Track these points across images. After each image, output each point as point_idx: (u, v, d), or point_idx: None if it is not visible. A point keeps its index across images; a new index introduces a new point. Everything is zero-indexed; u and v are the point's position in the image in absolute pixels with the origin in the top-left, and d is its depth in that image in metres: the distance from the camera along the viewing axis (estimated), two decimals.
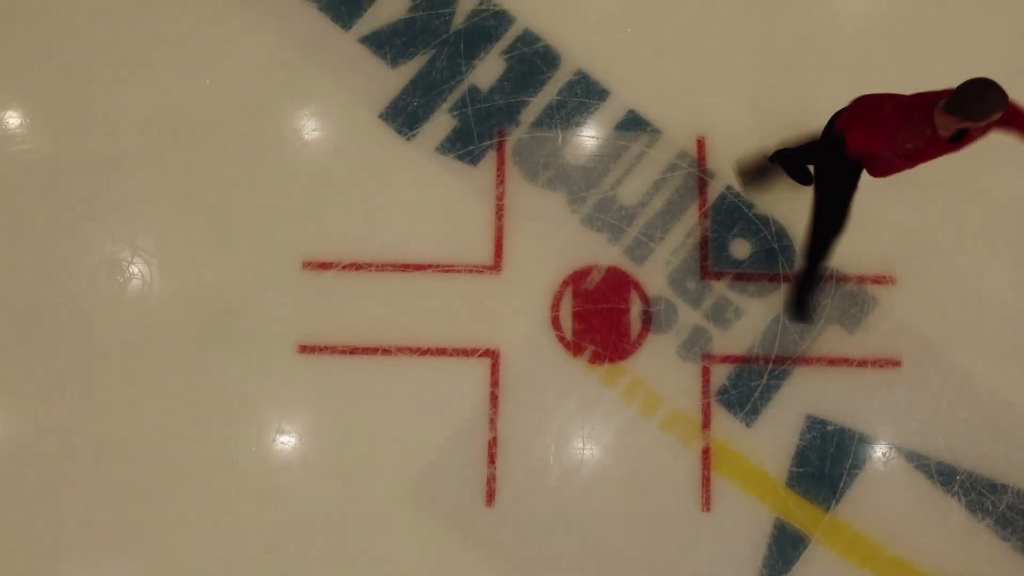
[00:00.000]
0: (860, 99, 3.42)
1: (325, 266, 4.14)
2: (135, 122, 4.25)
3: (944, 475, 4.00)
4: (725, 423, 4.03)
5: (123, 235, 4.17)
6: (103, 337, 4.05)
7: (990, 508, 3.96)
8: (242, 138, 4.24)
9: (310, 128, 4.28)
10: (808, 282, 3.92)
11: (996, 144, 3.53)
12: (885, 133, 3.12)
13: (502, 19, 4.39)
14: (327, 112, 4.30)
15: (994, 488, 3.99)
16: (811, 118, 4.08)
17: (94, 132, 4.25)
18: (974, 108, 2.82)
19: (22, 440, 3.98)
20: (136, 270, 4.14)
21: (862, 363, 4.09)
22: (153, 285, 4.13)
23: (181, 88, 4.29)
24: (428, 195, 4.21)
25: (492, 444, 3.99)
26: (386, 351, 4.06)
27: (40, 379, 4.01)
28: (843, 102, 3.49)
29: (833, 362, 4.08)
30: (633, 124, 4.30)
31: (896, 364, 4.09)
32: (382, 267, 4.13)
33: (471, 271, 4.13)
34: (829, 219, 3.64)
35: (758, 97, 4.35)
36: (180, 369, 4.03)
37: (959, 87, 2.86)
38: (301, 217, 4.17)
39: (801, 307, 4.00)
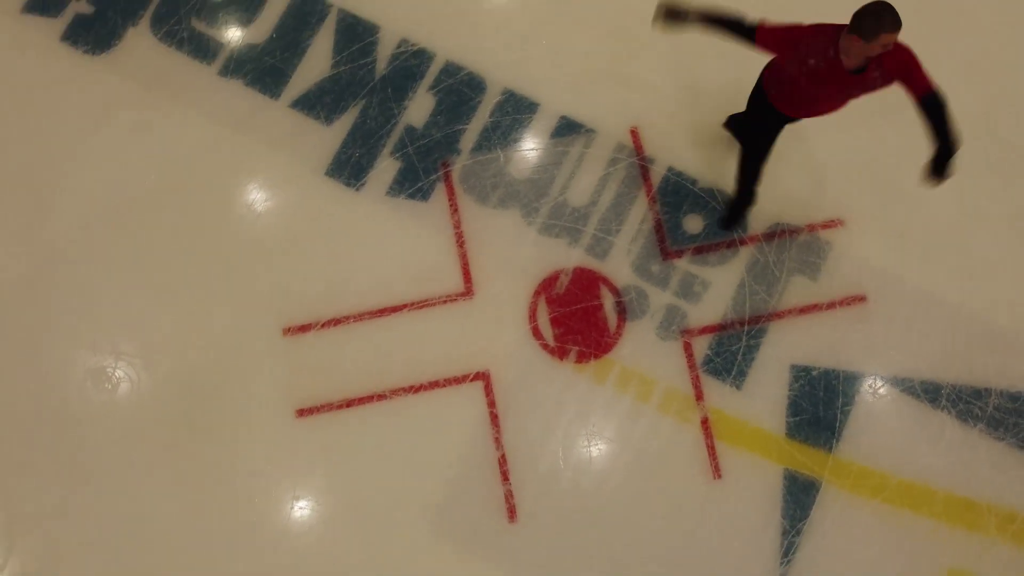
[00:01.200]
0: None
1: (305, 328, 4.23)
2: (87, 225, 4.33)
3: (930, 393, 4.18)
4: (717, 391, 4.18)
5: (101, 341, 4.23)
6: (105, 444, 4.09)
7: (979, 414, 4.15)
8: (198, 222, 4.33)
9: (262, 200, 4.38)
10: (740, 204, 4.19)
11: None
12: (790, 40, 3.28)
13: (422, 57, 4.54)
14: (275, 181, 4.41)
15: (978, 394, 4.18)
16: (732, 87, 4.29)
17: (47, 243, 4.32)
18: (864, 22, 3.00)
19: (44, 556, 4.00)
20: (121, 373, 4.19)
21: (831, 306, 4.27)
22: (141, 383, 4.18)
23: (128, 186, 4.38)
24: (388, 238, 4.32)
25: (502, 462, 4.09)
26: (381, 396, 4.15)
27: (46, 502, 4.04)
28: (758, 66, 3.68)
29: (804, 310, 4.26)
30: (567, 129, 4.46)
31: (862, 300, 4.27)
32: (360, 317, 4.23)
33: (445, 301, 4.25)
34: (755, 148, 3.86)
35: (679, 78, 4.54)
36: (186, 458, 4.09)
37: (858, 12, 3.05)
38: (272, 286, 4.26)
39: (731, 221, 4.30)
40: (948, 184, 4.39)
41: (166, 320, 4.23)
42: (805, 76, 3.36)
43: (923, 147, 4.43)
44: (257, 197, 4.39)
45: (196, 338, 4.21)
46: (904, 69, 3.19)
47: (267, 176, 4.41)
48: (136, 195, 4.37)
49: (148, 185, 4.37)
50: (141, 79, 4.50)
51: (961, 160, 4.18)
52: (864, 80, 3.26)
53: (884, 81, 3.26)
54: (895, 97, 4.47)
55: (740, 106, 4.17)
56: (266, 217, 4.36)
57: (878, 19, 2.99)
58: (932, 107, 3.20)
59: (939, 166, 3.29)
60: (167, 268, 4.30)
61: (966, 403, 4.17)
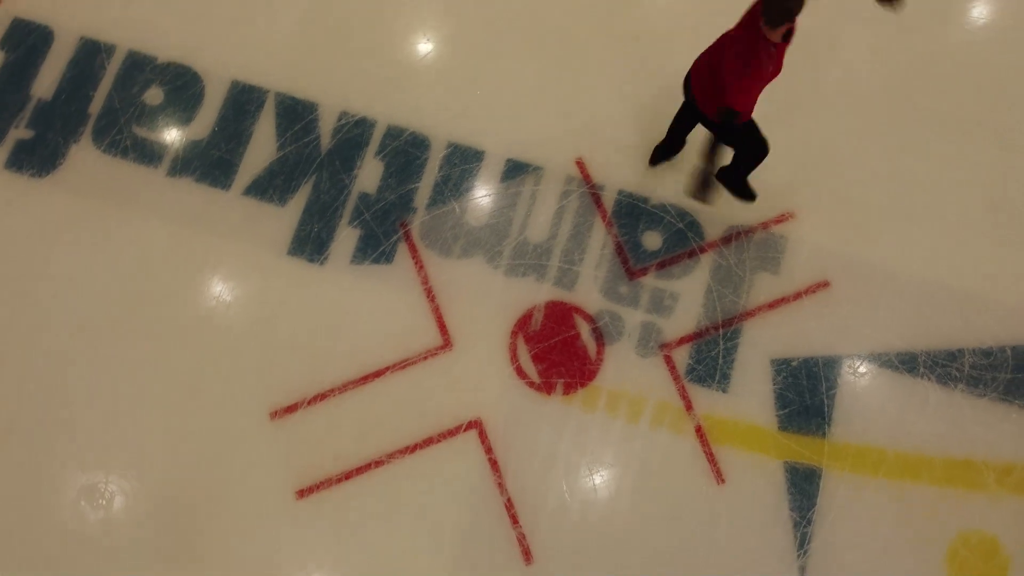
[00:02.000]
0: (698, 65, 3.84)
1: (292, 409, 4.23)
2: (58, 344, 4.31)
3: (907, 363, 4.30)
4: (704, 398, 4.25)
5: (88, 459, 4.18)
6: (107, 563, 4.03)
7: (957, 375, 4.27)
8: (170, 324, 4.34)
9: (229, 290, 4.41)
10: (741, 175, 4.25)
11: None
12: (750, 78, 3.50)
13: (364, 125, 4.65)
14: (239, 269, 4.44)
15: (952, 356, 4.31)
16: (664, 106, 4.46)
17: (18, 366, 4.29)
18: (788, 8, 3.23)
19: None
20: (114, 487, 4.14)
21: (797, 296, 4.39)
22: (136, 494, 4.13)
23: (94, 300, 4.38)
24: (360, 306, 4.37)
25: (509, 506, 4.10)
26: (379, 463, 4.15)
27: None
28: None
29: (773, 305, 4.37)
30: (516, 170, 4.58)
31: (826, 285, 4.40)
32: (344, 388, 4.25)
33: (426, 357, 4.29)
34: (756, 149, 4.01)
35: (614, 104, 4.69)
36: (194, 560, 4.03)
37: (768, 4, 3.25)
38: (252, 373, 4.27)
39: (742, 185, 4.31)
40: (883, 163, 4.61)
41: (151, 426, 4.21)
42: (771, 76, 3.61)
43: (856, 133, 4.65)
44: (224, 288, 4.41)
45: (185, 438, 4.19)
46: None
47: (231, 266, 4.44)
48: (103, 307, 4.37)
49: (114, 296, 4.38)
50: (91, 193, 4.54)
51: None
52: (790, 36, 3.48)
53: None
54: (824, 90, 4.71)
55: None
56: (236, 306, 4.38)
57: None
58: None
59: None
60: (145, 374, 4.28)
61: (943, 367, 4.29)
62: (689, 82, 3.91)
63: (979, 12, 4.96)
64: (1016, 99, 4.74)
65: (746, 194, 4.30)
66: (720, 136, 3.94)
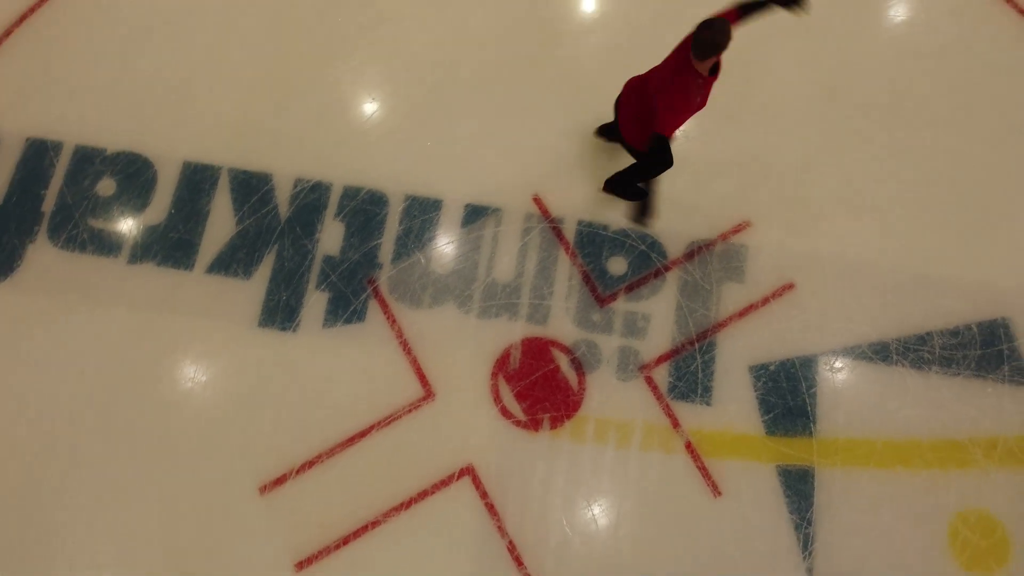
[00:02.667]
0: (628, 91, 3.98)
1: (281, 481, 4.18)
2: (36, 444, 4.23)
3: (880, 352, 4.38)
4: (690, 413, 4.29)
5: (79, 559, 4.08)
6: None
7: (929, 357, 4.37)
8: (148, 410, 4.29)
9: (204, 370, 4.37)
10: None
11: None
12: (679, 109, 3.63)
13: (320, 189, 4.69)
14: (212, 347, 4.41)
15: (922, 340, 4.40)
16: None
17: (2, 467, 4.19)
18: (716, 43, 3.38)
19: None
20: None
21: (765, 301, 4.47)
22: None
23: (69, 397, 4.31)
24: (337, 367, 4.36)
25: (511, 548, 4.07)
26: (376, 523, 4.11)
27: None
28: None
29: (743, 313, 4.45)
30: (475, 215, 4.64)
31: (791, 287, 4.49)
32: (332, 452, 4.21)
33: (410, 410, 4.27)
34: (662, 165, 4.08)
35: (560, 139, 4.79)
36: None
37: (697, 39, 3.40)
38: (237, 449, 4.22)
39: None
40: (828, 159, 4.75)
41: (140, 517, 4.12)
42: (697, 107, 3.74)
43: (797, 137, 4.80)
44: (198, 368, 4.38)
45: (176, 525, 4.10)
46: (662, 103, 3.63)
47: (203, 345, 4.41)
48: (79, 402, 4.30)
49: (89, 389, 4.32)
50: (54, 290, 4.51)
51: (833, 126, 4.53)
52: (718, 68, 3.64)
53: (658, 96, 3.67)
54: (760, 101, 4.86)
55: (623, 154, 4.45)
56: (212, 385, 4.34)
57: (722, 35, 3.39)
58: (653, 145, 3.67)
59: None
60: (128, 464, 4.21)
61: (915, 351, 4.38)
62: (618, 104, 4.06)
63: (895, 11, 5.18)
64: (938, 83, 4.93)
65: (638, 194, 4.47)
66: (634, 154, 4.11)
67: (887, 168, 4.74)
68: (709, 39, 3.37)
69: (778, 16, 5.05)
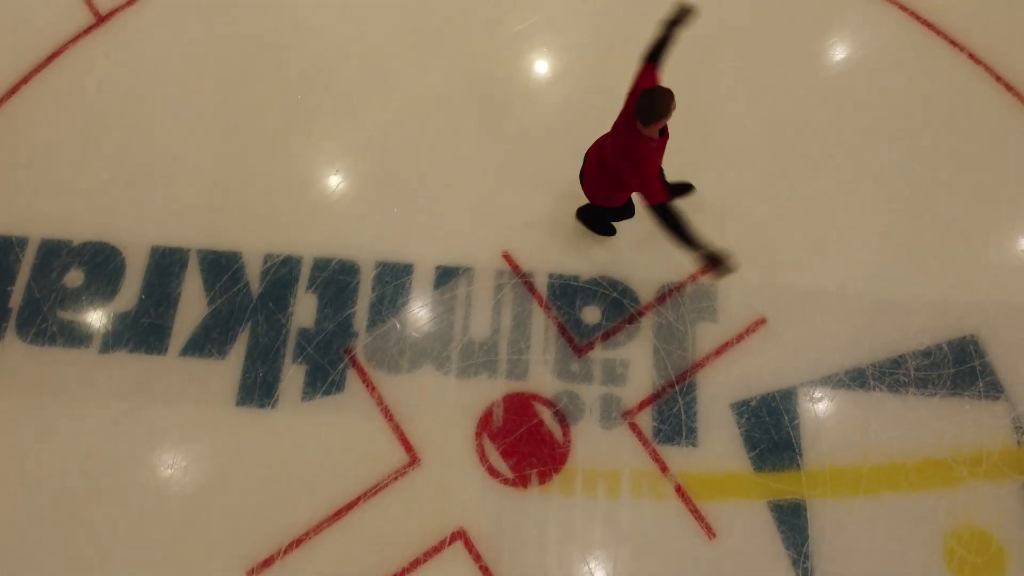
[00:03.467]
0: (589, 158, 4.08)
1: (268, 562, 4.09)
2: (18, 538, 4.10)
3: (857, 379, 4.44)
4: (677, 456, 4.29)
5: None
6: None
7: (905, 380, 4.43)
8: (129, 502, 4.19)
9: (184, 454, 4.30)
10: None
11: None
12: (647, 172, 3.65)
13: (290, 263, 4.70)
14: (191, 431, 4.35)
15: (896, 363, 4.47)
16: (570, 184, 4.66)
17: None
18: (658, 111, 3.44)
19: None
20: None
21: (739, 338, 4.52)
22: None
23: (48, 493, 4.21)
24: (319, 441, 4.31)
25: None
26: None
27: None
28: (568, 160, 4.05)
29: (719, 351, 4.49)
30: (447, 276, 4.68)
31: (763, 322, 4.56)
32: (319, 528, 4.14)
33: (396, 477, 4.23)
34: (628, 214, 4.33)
35: (525, 195, 4.87)
36: None
37: (640, 109, 3.45)
38: (221, 533, 4.13)
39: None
40: (789, 193, 4.87)
41: None
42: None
43: (756, 174, 4.93)
44: (178, 454, 4.30)
45: None
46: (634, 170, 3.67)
47: (181, 430, 4.35)
48: (59, 498, 4.20)
49: (68, 485, 4.22)
50: (25, 387, 4.43)
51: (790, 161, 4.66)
52: (665, 131, 3.74)
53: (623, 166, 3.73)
54: (719, 143, 5.00)
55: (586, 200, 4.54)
56: (194, 469, 4.27)
57: (666, 102, 3.44)
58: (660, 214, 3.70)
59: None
60: (111, 557, 4.10)
61: (890, 375, 4.44)
62: (582, 174, 4.17)
63: (838, 47, 5.40)
64: (883, 114, 5.11)
65: (609, 230, 4.64)
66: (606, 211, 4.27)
67: (844, 198, 4.87)
68: (649, 107, 3.42)
69: (728, 58, 5.25)
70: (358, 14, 5.46)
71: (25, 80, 5.19)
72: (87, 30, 5.36)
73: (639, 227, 4.67)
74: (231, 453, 4.30)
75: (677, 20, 3.75)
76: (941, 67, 5.29)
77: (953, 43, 5.35)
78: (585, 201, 4.56)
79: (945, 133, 5.07)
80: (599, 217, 4.54)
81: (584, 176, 4.16)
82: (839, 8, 5.51)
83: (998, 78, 5.22)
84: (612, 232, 4.67)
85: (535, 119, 5.11)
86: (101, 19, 5.40)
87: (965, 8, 5.45)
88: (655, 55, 3.71)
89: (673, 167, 4.27)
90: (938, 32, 5.39)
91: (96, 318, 4.60)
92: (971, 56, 5.30)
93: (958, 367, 4.47)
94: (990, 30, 5.36)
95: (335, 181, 4.95)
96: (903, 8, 5.47)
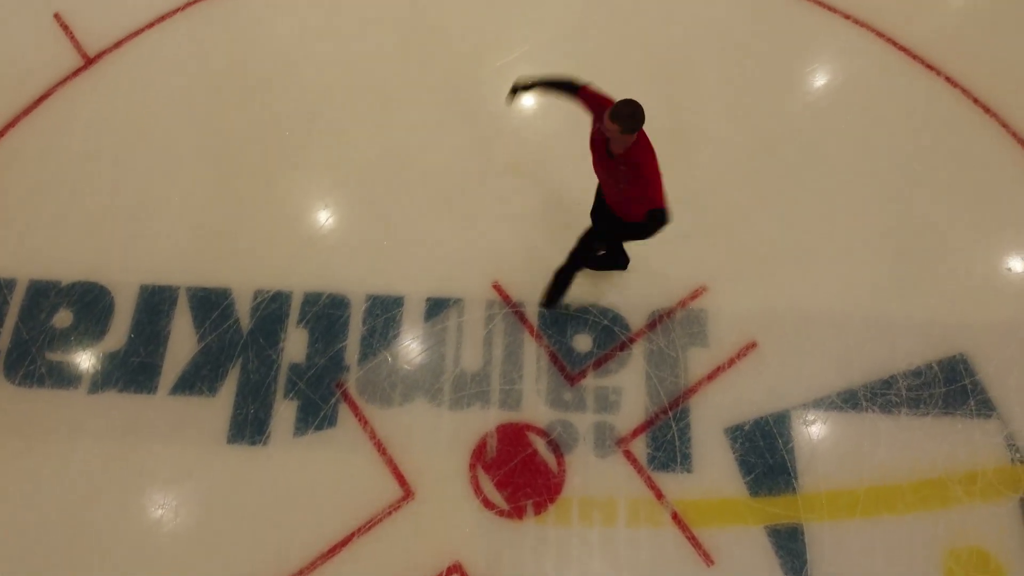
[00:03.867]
0: (606, 189, 4.08)
1: None
2: None
3: (849, 400, 4.45)
4: (672, 483, 4.27)
5: None
6: None
7: (897, 400, 4.44)
8: (119, 543, 4.12)
9: (176, 494, 4.24)
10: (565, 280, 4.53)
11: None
12: (599, 104, 3.71)
13: (280, 299, 4.70)
14: (182, 470, 4.29)
15: (888, 384, 4.49)
16: (556, 215, 4.69)
17: None
18: (633, 121, 3.49)
19: None
20: None
21: (731, 362, 4.53)
22: None
23: (38, 534, 4.13)
24: (313, 476, 4.27)
25: None
26: None
27: None
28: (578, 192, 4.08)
29: (711, 376, 4.50)
30: (437, 307, 4.68)
31: (754, 346, 4.57)
32: (314, 565, 4.08)
33: (391, 512, 4.18)
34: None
35: (513, 225, 4.90)
36: None
37: (624, 113, 3.47)
38: (216, 573, 4.06)
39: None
40: (774, 216, 4.92)
41: None
42: (592, 138, 3.83)
43: (741, 199, 4.99)
44: (169, 494, 4.25)
45: None
46: (644, 181, 3.68)
47: (172, 469, 4.30)
48: (50, 542, 4.13)
49: (58, 528, 4.15)
50: (14, 430, 4.38)
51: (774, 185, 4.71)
52: (611, 166, 3.76)
53: (626, 181, 3.74)
54: (702, 169, 5.06)
55: (575, 229, 4.59)
56: (186, 508, 4.21)
57: (615, 108, 3.49)
58: (650, 220, 3.69)
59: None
60: None
61: (882, 396, 4.45)
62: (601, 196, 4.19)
63: (821, 74, 5.49)
64: (876, 136, 5.19)
65: (623, 261, 4.64)
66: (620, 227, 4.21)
67: (830, 222, 4.92)
68: (631, 115, 3.46)
69: (712, 85, 5.33)
70: (344, 52, 5.53)
71: (14, 122, 5.22)
72: (76, 72, 5.40)
73: (629, 254, 4.70)
74: (223, 491, 4.25)
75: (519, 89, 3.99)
76: (920, 91, 5.39)
77: (930, 67, 5.46)
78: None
79: (928, 156, 5.15)
80: (613, 249, 4.53)
81: (608, 197, 4.11)
82: (821, 35, 5.62)
83: (975, 100, 5.32)
84: (627, 260, 4.66)
85: (521, 151, 5.16)
86: (89, 61, 5.45)
87: (941, 34, 5.57)
88: (566, 84, 3.86)
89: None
90: (915, 57, 5.50)
91: (85, 358, 4.57)
92: (948, 79, 5.40)
93: (949, 386, 4.48)
94: (965, 55, 5.47)
95: (324, 216, 4.97)
96: (880, 35, 5.58)
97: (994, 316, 4.67)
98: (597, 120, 3.76)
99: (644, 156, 3.66)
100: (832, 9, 5.68)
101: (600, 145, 3.78)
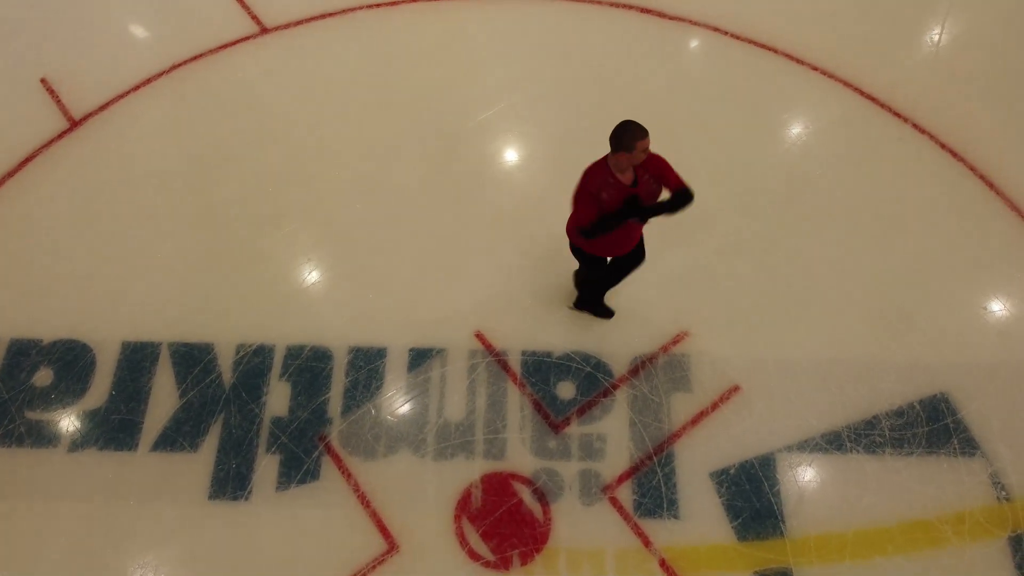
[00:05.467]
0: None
1: None
2: None
3: (833, 442, 4.45)
4: (659, 529, 4.22)
5: None
6: None
7: (881, 440, 4.45)
8: None
9: (157, 555, 4.15)
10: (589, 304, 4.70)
11: None
12: (587, 194, 3.76)
13: (263, 352, 4.70)
14: (162, 529, 4.22)
15: (871, 425, 4.50)
16: (536, 263, 4.73)
17: None
18: (623, 138, 3.57)
19: None
20: None
21: (715, 406, 4.54)
22: None
23: None
24: (295, 532, 4.20)
25: None
26: None
27: None
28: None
29: (695, 421, 4.50)
30: (420, 358, 4.68)
31: (737, 390, 4.59)
32: None
33: (375, 565, 4.11)
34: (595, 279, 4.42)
35: (495, 274, 4.94)
36: None
37: (613, 134, 3.59)
38: None
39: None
40: (752, 261, 4.98)
41: None
42: (614, 198, 3.83)
43: (719, 245, 5.06)
44: (151, 554, 4.16)
45: None
46: (661, 171, 3.81)
47: (153, 528, 4.22)
48: None
49: None
50: None
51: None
52: (643, 186, 3.81)
53: (656, 183, 3.82)
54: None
55: (555, 277, 4.65)
56: (167, 569, 4.12)
57: (630, 131, 3.58)
58: (680, 195, 3.81)
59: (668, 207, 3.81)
60: None
61: (866, 436, 4.46)
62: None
63: (795, 124, 5.64)
64: (852, 183, 5.31)
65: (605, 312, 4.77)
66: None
67: (810, 266, 5.00)
68: (628, 134, 3.58)
69: (690, 137, 5.46)
70: (325, 113, 5.64)
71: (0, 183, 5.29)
72: (61, 135, 5.48)
73: (610, 301, 4.75)
74: (205, 549, 4.17)
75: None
76: (891, 139, 5.54)
77: (898, 115, 5.62)
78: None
79: (902, 200, 5.26)
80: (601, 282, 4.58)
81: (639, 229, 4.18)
82: (792, 87, 5.79)
83: (943, 146, 5.47)
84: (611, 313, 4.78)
85: (502, 203, 5.25)
86: (75, 124, 5.54)
87: (906, 84, 5.75)
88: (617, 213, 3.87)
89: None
90: (883, 106, 5.66)
91: (65, 417, 4.53)
92: (915, 126, 5.56)
93: (932, 425, 4.50)
94: (930, 103, 5.65)
95: (306, 269, 5.01)
96: (847, 84, 5.76)
97: (973, 355, 4.71)
98: (606, 179, 3.74)
99: (654, 156, 3.78)
100: (800, 61, 5.86)
101: (625, 190, 3.79)
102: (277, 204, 5.23)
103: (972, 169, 5.37)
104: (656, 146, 3.75)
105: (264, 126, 5.56)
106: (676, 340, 4.73)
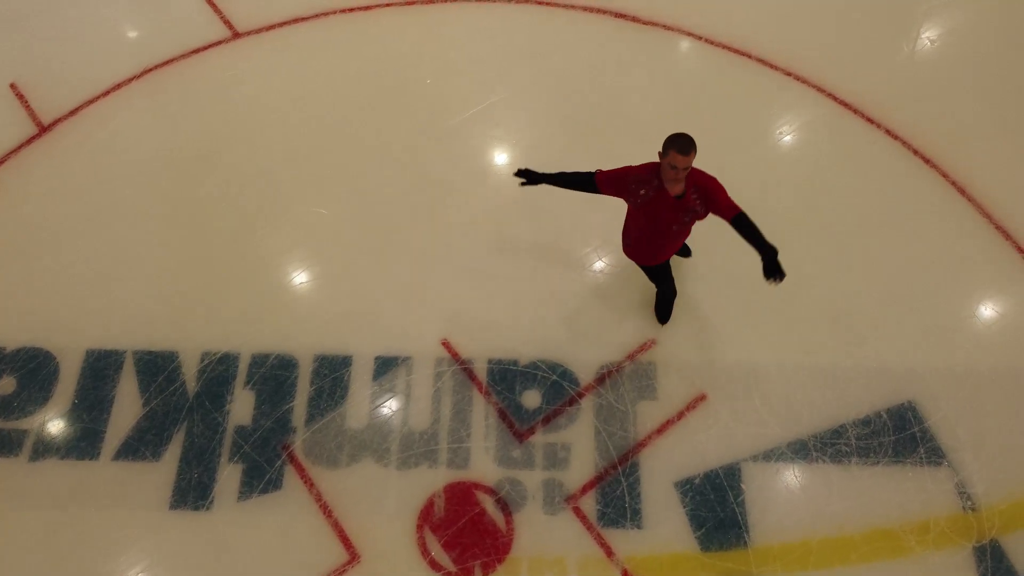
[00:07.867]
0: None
1: None
2: None
3: (799, 451, 4.43)
4: (622, 539, 4.21)
5: None
6: None
7: (847, 450, 4.43)
8: None
9: (118, 564, 4.12)
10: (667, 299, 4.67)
11: None
12: (622, 177, 3.81)
13: (228, 360, 4.67)
14: (124, 537, 4.20)
15: (837, 434, 4.48)
16: (504, 270, 4.71)
17: None
18: (664, 145, 3.60)
19: None
20: None
21: (680, 415, 4.52)
22: None
23: None
24: (256, 542, 4.19)
25: None
26: None
27: None
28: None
29: (660, 430, 4.48)
30: (385, 366, 4.66)
31: (703, 398, 4.57)
32: None
33: (336, 574, 4.09)
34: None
35: (462, 283, 4.92)
36: None
37: (684, 140, 3.61)
38: None
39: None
40: (718, 268, 4.96)
41: None
42: (641, 211, 3.87)
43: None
44: (111, 563, 4.14)
45: None
46: (709, 193, 3.79)
47: (114, 537, 4.20)
48: None
49: None
50: None
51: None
52: (686, 204, 3.81)
53: (702, 205, 3.82)
54: None
55: (523, 284, 4.61)
56: None
57: (669, 139, 3.61)
58: (741, 224, 3.77)
59: (770, 268, 3.76)
60: None
61: (832, 446, 4.44)
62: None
63: (767, 130, 5.62)
64: (820, 187, 5.29)
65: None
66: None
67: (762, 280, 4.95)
68: (684, 136, 3.61)
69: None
70: (292, 115, 5.61)
71: None
72: (29, 140, 5.45)
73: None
74: (165, 559, 4.16)
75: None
76: (863, 144, 5.52)
77: (871, 121, 5.60)
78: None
79: (872, 205, 5.24)
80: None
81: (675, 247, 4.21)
82: (766, 93, 5.76)
83: (915, 152, 5.45)
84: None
85: (470, 209, 5.22)
86: (44, 129, 5.51)
87: (879, 90, 5.73)
88: (578, 176, 3.91)
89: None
90: (856, 112, 5.64)
91: (26, 426, 4.51)
92: (888, 132, 5.54)
93: (898, 434, 4.48)
94: (903, 109, 5.63)
95: (273, 277, 4.98)
96: (820, 90, 5.74)
97: (941, 363, 4.70)
98: (651, 180, 3.77)
99: (700, 172, 3.78)
100: (773, 66, 5.84)
101: (666, 199, 3.79)
102: (245, 212, 5.20)
103: (944, 176, 5.35)
104: (628, 151, 3.71)
105: (234, 132, 5.53)
106: (643, 348, 4.71)
